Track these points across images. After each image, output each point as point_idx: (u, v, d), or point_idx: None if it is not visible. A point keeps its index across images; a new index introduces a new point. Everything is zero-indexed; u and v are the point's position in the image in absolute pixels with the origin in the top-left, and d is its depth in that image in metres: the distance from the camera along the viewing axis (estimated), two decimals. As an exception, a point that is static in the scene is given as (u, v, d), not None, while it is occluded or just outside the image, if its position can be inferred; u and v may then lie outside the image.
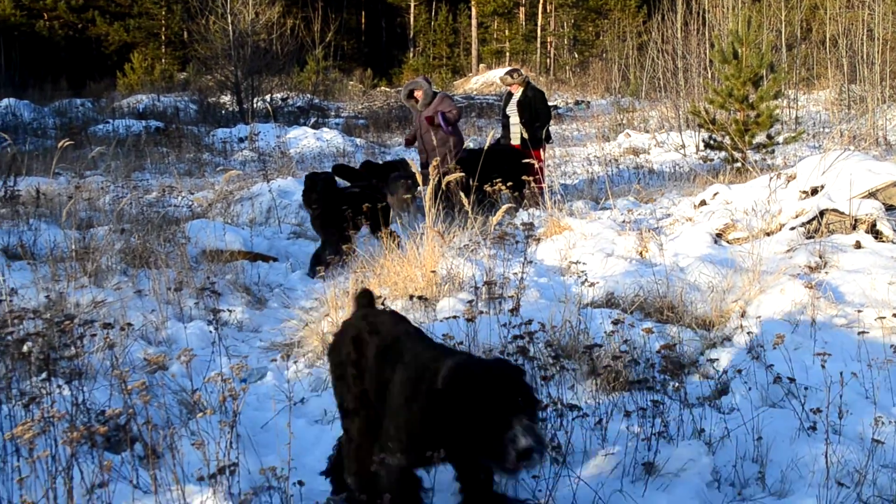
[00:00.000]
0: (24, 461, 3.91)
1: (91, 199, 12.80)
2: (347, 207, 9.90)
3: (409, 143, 14.62)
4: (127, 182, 15.19)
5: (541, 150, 14.12)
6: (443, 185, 9.14)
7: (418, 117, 13.68)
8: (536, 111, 14.19)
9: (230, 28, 29.47)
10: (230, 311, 8.30)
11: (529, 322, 5.60)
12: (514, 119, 14.29)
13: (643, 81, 29.70)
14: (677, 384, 5.49)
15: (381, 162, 15.00)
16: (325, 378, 6.57)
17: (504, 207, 7.95)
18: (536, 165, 11.69)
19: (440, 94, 13.87)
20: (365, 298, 4.86)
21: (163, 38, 54.55)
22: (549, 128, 14.56)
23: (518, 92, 14.30)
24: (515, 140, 14.24)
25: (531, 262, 8.62)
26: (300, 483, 3.91)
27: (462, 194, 8.89)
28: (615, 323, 6.05)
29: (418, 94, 13.66)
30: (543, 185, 12.19)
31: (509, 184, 10.58)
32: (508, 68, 16.50)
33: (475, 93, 45.14)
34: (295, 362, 7.17)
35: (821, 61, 28.36)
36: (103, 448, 4.74)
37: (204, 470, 3.97)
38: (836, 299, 7.54)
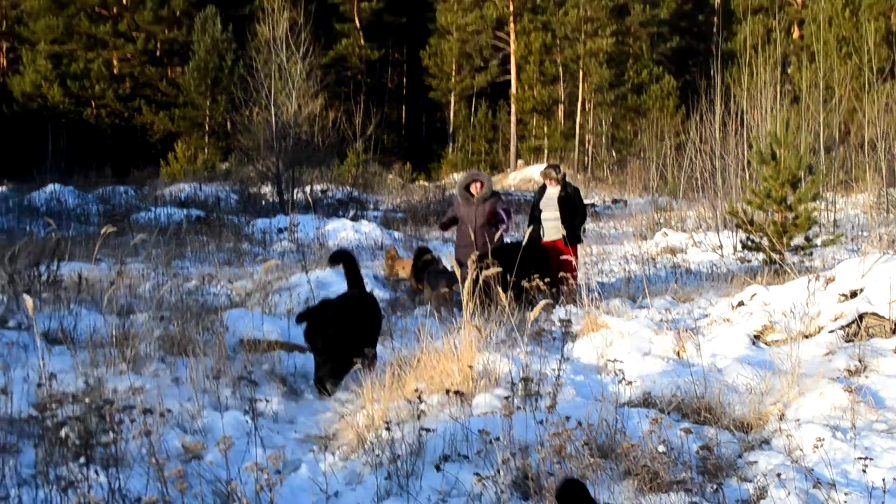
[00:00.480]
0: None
1: (132, 286, 12.93)
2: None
3: (445, 227, 14.54)
4: (167, 270, 15.33)
5: (577, 248, 14.03)
6: (481, 280, 9.16)
7: (473, 210, 13.52)
8: (575, 208, 14.11)
9: (273, 119, 29.88)
10: (267, 401, 8.31)
11: (567, 419, 5.58)
12: (551, 214, 14.09)
13: (681, 181, 29.81)
14: (716, 486, 5.43)
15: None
16: (360, 472, 6.57)
17: (542, 304, 7.96)
18: (573, 262, 11.68)
19: (495, 191, 13.95)
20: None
21: (206, 128, 55.30)
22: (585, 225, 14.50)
23: (556, 188, 14.17)
24: (552, 236, 14.04)
25: (568, 359, 8.60)
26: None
27: (499, 289, 8.92)
28: (653, 423, 6.02)
29: (476, 187, 13.65)
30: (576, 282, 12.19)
31: (546, 280, 10.60)
32: (548, 164, 16.48)
33: (513, 188, 45.41)
34: (332, 454, 7.17)
35: (859, 164, 28.38)
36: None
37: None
38: (877, 404, 7.46)
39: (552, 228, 14.05)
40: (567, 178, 14.53)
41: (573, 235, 13.82)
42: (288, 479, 6.59)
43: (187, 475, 5.91)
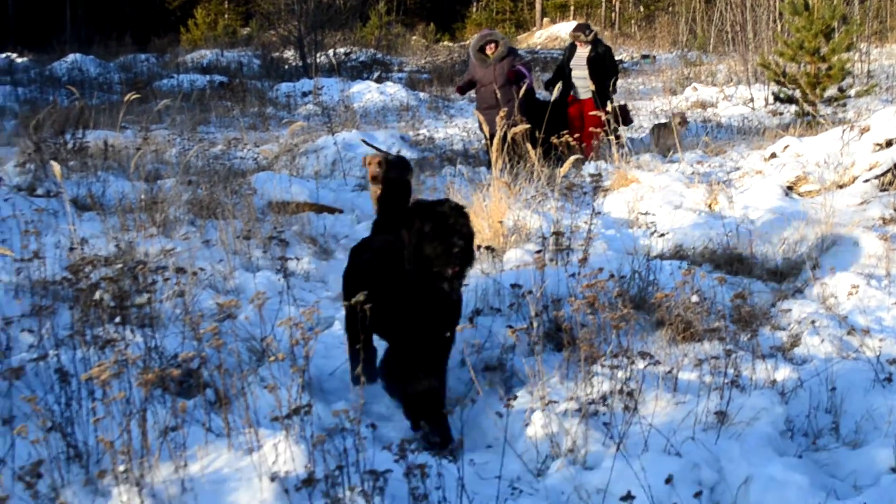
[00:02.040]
0: (100, 402, 3.96)
1: (158, 152, 12.91)
2: None
3: (462, 90, 14.13)
4: (192, 135, 15.30)
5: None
6: (509, 137, 9.06)
7: (491, 71, 13.19)
8: (605, 67, 13.78)
9: (293, -18, 29.46)
10: (297, 259, 8.33)
11: (600, 270, 5.55)
12: (581, 73, 13.79)
13: (711, 35, 29.28)
14: (750, 334, 5.42)
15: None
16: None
17: (571, 159, 7.87)
18: (603, 117, 11.49)
19: (512, 48, 13.53)
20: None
21: (226, -7, 54.58)
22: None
23: (586, 48, 13.83)
24: (582, 95, 13.76)
25: (598, 213, 8.54)
26: (373, 426, 3.92)
27: (529, 146, 8.83)
28: (686, 273, 5.99)
29: (492, 48, 13.25)
30: (599, 139, 12.04)
31: (576, 136, 10.49)
32: (578, 23, 15.92)
33: (539, 47, 44.71)
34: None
35: (894, 13, 27.75)
36: (175, 393, 4.80)
37: (276, 413, 3.98)
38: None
39: (582, 88, 13.75)
40: (598, 37, 14.24)
41: (603, 95, 13.33)
42: (321, 336, 6.64)
43: (222, 333, 5.96)
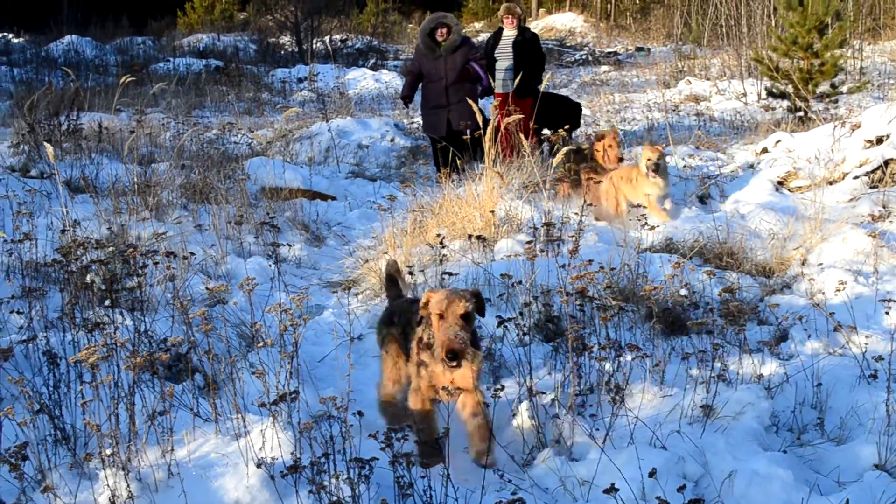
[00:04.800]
0: (88, 385, 3.97)
1: (152, 135, 12.89)
2: None
3: (408, 99, 12.02)
4: (187, 119, 15.28)
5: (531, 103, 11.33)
6: (502, 128, 9.04)
7: (441, 64, 11.35)
8: (534, 56, 12.31)
9: (290, -32, 29.40)
10: (289, 246, 8.35)
11: (589, 262, 5.57)
12: (506, 63, 12.19)
13: (705, 28, 29.28)
14: (738, 328, 5.45)
15: None
16: (383, 315, 6.62)
17: (564, 150, 7.89)
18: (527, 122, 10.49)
19: (466, 37, 11.74)
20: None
21: (223, -24, 54.33)
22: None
23: (513, 31, 12.25)
24: (500, 89, 12.10)
25: (590, 204, 8.55)
26: (360, 413, 3.93)
27: (521, 136, 8.84)
28: (675, 266, 6.00)
29: (442, 33, 11.36)
30: (532, 140, 10.73)
31: (567, 127, 10.46)
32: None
33: (535, 37, 44.64)
34: (355, 296, 7.24)
35: (888, 11, 27.76)
36: (164, 377, 4.81)
37: (264, 399, 4.00)
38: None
39: (506, 80, 12.11)
40: (525, 24, 12.69)
41: (525, 86, 11.54)
42: (311, 323, 6.67)
43: (212, 318, 5.98)
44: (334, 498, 3.32)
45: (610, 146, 9.69)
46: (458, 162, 9.59)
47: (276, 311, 4.32)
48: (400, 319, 4.56)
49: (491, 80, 11.43)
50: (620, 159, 9.82)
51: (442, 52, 11.29)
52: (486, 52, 12.33)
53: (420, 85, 11.80)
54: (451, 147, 9.94)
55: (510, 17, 12.25)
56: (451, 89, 11.21)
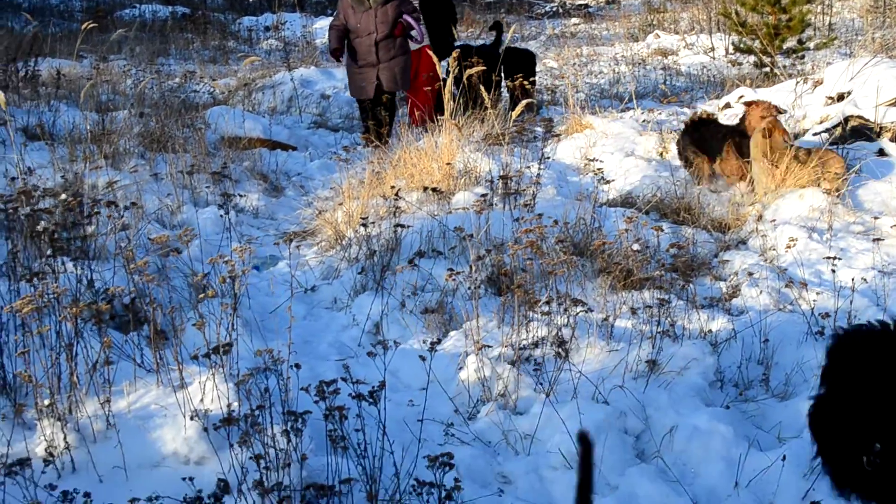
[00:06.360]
0: (26, 336, 3.93)
1: (113, 83, 12.74)
2: None
3: (339, 51, 10.41)
4: (150, 67, 15.10)
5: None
6: (464, 79, 8.94)
7: (371, 17, 10.04)
8: (442, 9, 11.64)
9: (258, -89, 29.01)
10: (242, 196, 8.28)
11: (539, 216, 5.56)
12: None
13: (677, -20, 29.17)
14: (682, 283, 5.46)
15: None
16: (336, 266, 6.59)
17: (524, 102, 7.85)
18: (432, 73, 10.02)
19: None
20: None
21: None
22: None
23: None
24: (412, 45, 10.68)
25: (549, 158, 8.51)
26: (297, 366, 3.91)
27: (482, 88, 8.77)
28: (628, 221, 6.00)
29: None
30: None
31: (532, 79, 10.38)
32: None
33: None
34: (309, 247, 7.22)
35: (860, -34, 27.69)
36: (110, 328, 4.78)
37: (205, 350, 3.98)
38: (855, 206, 7.44)
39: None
40: None
41: (443, 44, 10.97)
42: (266, 274, 6.65)
43: (164, 269, 5.94)
44: (267, 450, 3.31)
45: (765, 118, 7.85)
46: (383, 129, 9.43)
47: (217, 261, 4.28)
48: None
49: (425, 34, 10.49)
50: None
51: (371, 4, 10.00)
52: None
53: (347, 40, 10.40)
54: (373, 111, 9.70)
55: None
56: (381, 45, 10.08)
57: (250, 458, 3.30)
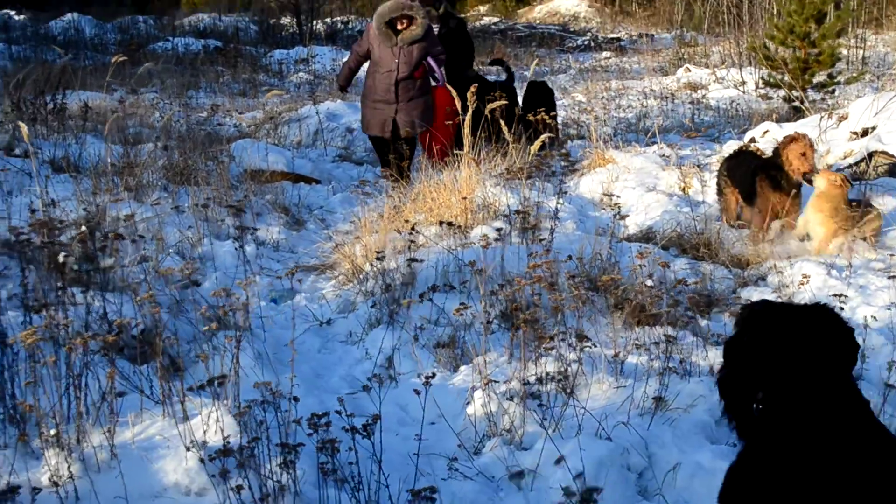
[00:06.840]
0: (39, 366, 3.98)
1: (141, 116, 12.88)
2: None
3: (346, 83, 10.46)
4: (179, 100, 15.25)
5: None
6: (486, 113, 8.96)
7: (395, 53, 9.62)
8: (460, 47, 11.25)
9: (293, -52, 29.34)
10: (260, 229, 8.31)
11: (547, 252, 5.58)
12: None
13: (706, 15, 29.18)
14: (688, 319, 5.46)
15: None
16: (353, 300, 6.62)
17: (543, 136, 7.87)
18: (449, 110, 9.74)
19: (430, 29, 9.97)
20: None
21: (228, -44, 54.16)
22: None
23: (436, 24, 10.77)
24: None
25: (566, 192, 8.51)
26: (295, 399, 3.93)
27: (503, 122, 8.80)
28: (639, 256, 5.99)
29: (404, 24, 9.65)
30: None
31: (553, 114, 10.39)
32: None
33: (538, 22, 44.51)
34: (328, 281, 7.25)
35: (893, 1, 27.62)
36: (124, 359, 4.83)
37: (210, 383, 4.01)
38: (877, 244, 7.40)
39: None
40: (450, 10, 11.51)
41: (460, 81, 10.02)
42: (282, 307, 6.68)
43: (183, 302, 5.99)
44: (265, 482, 3.33)
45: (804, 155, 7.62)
46: (404, 163, 9.38)
47: (221, 294, 4.32)
48: None
49: (444, 77, 9.96)
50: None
51: (399, 42, 9.63)
52: None
53: (366, 72, 10.13)
54: (393, 146, 9.60)
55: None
56: (400, 84, 9.71)
57: (243, 488, 3.32)
